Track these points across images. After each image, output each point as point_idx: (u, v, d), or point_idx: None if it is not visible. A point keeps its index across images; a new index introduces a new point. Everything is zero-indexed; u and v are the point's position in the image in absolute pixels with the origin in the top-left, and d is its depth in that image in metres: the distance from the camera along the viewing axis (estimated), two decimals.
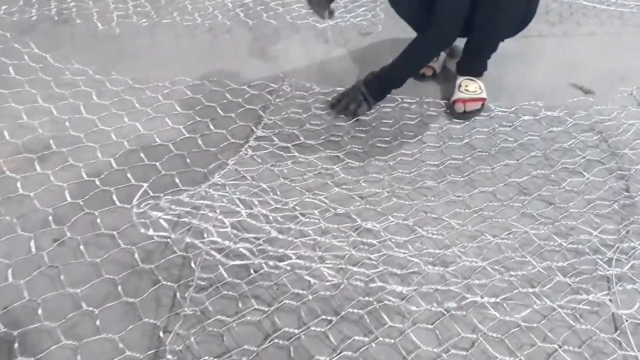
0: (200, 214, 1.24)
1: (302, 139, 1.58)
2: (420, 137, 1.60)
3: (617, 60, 1.90)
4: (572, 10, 2.24)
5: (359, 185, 1.43)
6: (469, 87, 1.66)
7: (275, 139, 1.58)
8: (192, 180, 1.45)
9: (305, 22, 2.17)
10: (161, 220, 0.99)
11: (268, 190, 1.40)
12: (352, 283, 1.10)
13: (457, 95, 1.66)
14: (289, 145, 1.55)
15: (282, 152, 1.53)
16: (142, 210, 0.98)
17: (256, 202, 1.33)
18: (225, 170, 1.45)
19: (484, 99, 1.65)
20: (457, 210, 1.35)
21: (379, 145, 1.57)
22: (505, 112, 1.67)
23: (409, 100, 1.74)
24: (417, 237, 1.27)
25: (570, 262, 1.21)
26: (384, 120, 1.66)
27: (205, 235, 1.12)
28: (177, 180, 1.45)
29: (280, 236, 1.24)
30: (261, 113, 1.69)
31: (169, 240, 1.26)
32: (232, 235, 1.15)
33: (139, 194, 1.12)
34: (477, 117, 1.66)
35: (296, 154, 1.53)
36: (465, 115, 1.65)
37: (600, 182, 1.42)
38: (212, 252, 1.06)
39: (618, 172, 1.44)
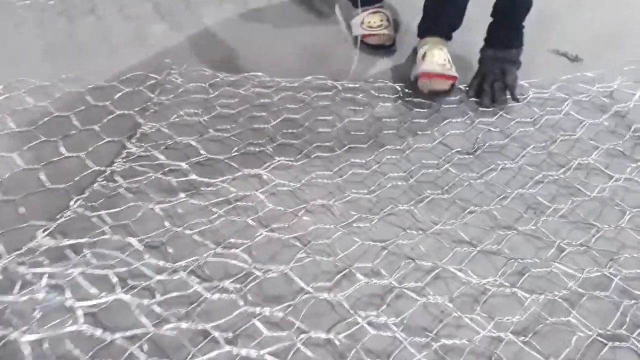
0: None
1: (203, 153, 1.05)
2: (375, 138, 1.12)
3: (593, 16, 1.53)
4: None
5: (297, 222, 0.93)
6: (436, 57, 1.20)
7: (160, 157, 1.03)
8: (25, 242, 0.88)
9: None
10: None
11: (145, 249, 0.87)
12: None
13: (422, 67, 1.20)
14: (183, 165, 1.02)
15: (171, 178, 0.99)
16: None
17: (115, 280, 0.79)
18: (62, 219, 0.89)
19: (454, 78, 1.20)
20: (447, 247, 0.89)
21: (318, 155, 1.08)
22: None
23: (351, 86, 1.26)
24: (398, 305, 0.80)
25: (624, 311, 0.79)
26: (321, 117, 1.17)
27: None
28: (1, 246, 0.87)
29: (169, 333, 0.72)
30: (138, 120, 1.14)
31: None
32: None
33: None
34: (444, 105, 1.21)
35: (195, 177, 1.00)
36: (431, 97, 1.20)
37: (630, 182, 1.01)
38: None
39: None
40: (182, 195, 0.95)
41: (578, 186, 1.00)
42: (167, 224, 0.90)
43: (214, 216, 0.93)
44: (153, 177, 0.98)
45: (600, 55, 1.34)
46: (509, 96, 1.19)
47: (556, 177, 1.02)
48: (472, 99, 1.21)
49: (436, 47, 1.22)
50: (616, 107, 1.18)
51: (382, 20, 1.38)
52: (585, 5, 1.58)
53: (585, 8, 1.57)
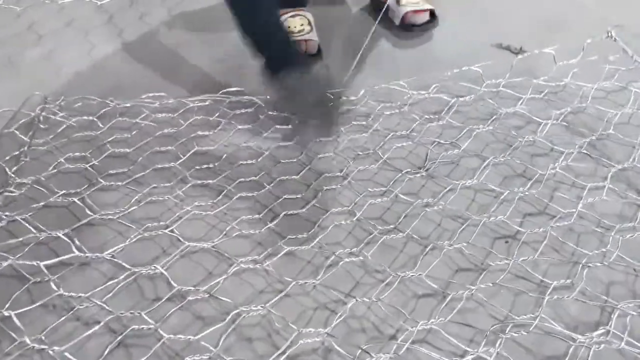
0: None
1: (91, 213, 0.81)
2: (309, 165, 0.93)
3: (535, 5, 1.40)
4: None
5: (220, 288, 0.72)
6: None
7: (28, 226, 0.79)
8: None
9: (78, 1, 1.36)
10: None
11: None
12: None
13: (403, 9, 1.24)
14: (61, 234, 0.77)
15: (39, 263, 0.74)
16: None
17: None
18: None
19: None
20: (411, 302, 0.71)
21: (241, 195, 0.87)
22: (422, 95, 1.06)
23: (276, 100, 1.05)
24: None
25: None
26: (243, 144, 0.97)
27: None
28: None
29: None
30: (7, 171, 0.88)
31: None
32: None
33: None
34: (386, 112, 1.03)
35: (76, 252, 0.76)
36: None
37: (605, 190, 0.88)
38: None
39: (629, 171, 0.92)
40: (55, 288, 0.71)
41: (553, 204, 0.85)
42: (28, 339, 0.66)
43: (109, 295, 0.71)
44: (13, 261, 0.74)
45: (546, 45, 1.21)
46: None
47: (524, 193, 0.87)
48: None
49: None
50: (572, 104, 1.04)
51: (302, 25, 1.19)
52: None
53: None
